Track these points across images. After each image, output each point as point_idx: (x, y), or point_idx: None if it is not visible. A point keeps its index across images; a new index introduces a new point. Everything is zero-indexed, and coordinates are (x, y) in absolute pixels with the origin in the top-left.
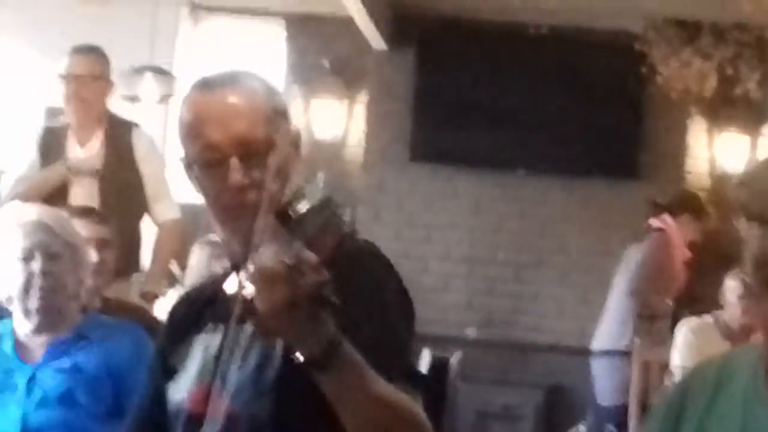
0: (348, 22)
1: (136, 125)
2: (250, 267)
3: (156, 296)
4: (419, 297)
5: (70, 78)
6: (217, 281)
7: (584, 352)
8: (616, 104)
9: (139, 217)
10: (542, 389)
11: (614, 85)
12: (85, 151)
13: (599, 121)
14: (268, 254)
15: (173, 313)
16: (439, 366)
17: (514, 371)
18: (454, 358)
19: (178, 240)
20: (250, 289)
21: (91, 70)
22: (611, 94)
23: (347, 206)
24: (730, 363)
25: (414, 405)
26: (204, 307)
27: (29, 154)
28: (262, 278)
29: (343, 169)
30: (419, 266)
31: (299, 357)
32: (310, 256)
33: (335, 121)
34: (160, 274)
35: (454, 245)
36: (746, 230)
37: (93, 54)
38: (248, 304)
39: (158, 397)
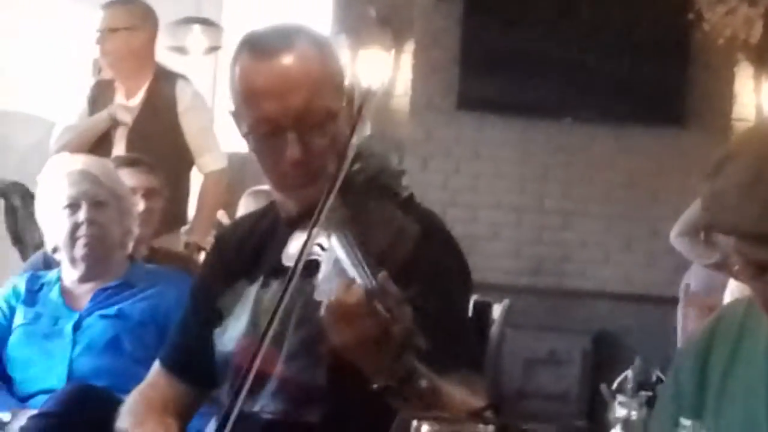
0: None
1: (182, 77)
2: (324, 276)
3: (201, 248)
4: (468, 245)
5: (105, 32)
6: (260, 224)
7: (629, 299)
8: (662, 51)
9: (184, 170)
10: (589, 335)
11: (660, 32)
12: (131, 102)
13: (645, 68)
14: (344, 266)
15: (222, 252)
16: (481, 310)
17: (561, 318)
18: (502, 306)
19: (223, 190)
20: (319, 297)
21: (126, 23)
22: (657, 41)
23: (396, 156)
24: (755, 307)
25: (479, 391)
26: (255, 253)
27: (79, 105)
28: (340, 312)
29: (390, 118)
30: (467, 215)
31: (376, 384)
32: (395, 291)
33: (382, 71)
34: (206, 224)
35: (501, 193)
36: (724, 241)
37: (128, 5)
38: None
39: (200, 337)
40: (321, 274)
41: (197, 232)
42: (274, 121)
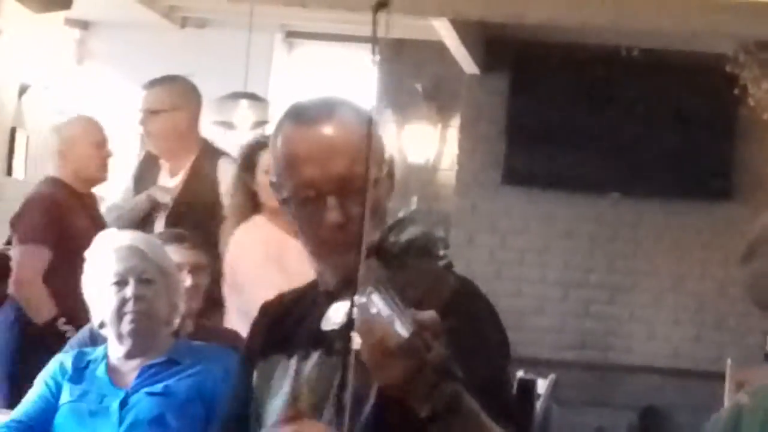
0: (440, 47)
1: (226, 155)
2: (360, 322)
3: None
4: (513, 320)
5: (147, 113)
6: (302, 300)
7: (676, 374)
8: (709, 126)
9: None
10: (635, 411)
11: (706, 106)
12: (174, 180)
13: (692, 142)
14: (384, 315)
15: (262, 330)
16: (525, 388)
17: (608, 393)
18: (548, 381)
19: None
20: (357, 342)
21: (168, 104)
22: (704, 115)
23: (441, 229)
24: None
25: None
26: (293, 327)
27: (124, 182)
28: (382, 346)
29: (436, 192)
30: (513, 288)
31: (423, 413)
32: (430, 319)
33: (428, 145)
34: None
35: (547, 268)
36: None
37: (170, 84)
38: (349, 344)
39: (243, 419)
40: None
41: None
42: (316, 186)
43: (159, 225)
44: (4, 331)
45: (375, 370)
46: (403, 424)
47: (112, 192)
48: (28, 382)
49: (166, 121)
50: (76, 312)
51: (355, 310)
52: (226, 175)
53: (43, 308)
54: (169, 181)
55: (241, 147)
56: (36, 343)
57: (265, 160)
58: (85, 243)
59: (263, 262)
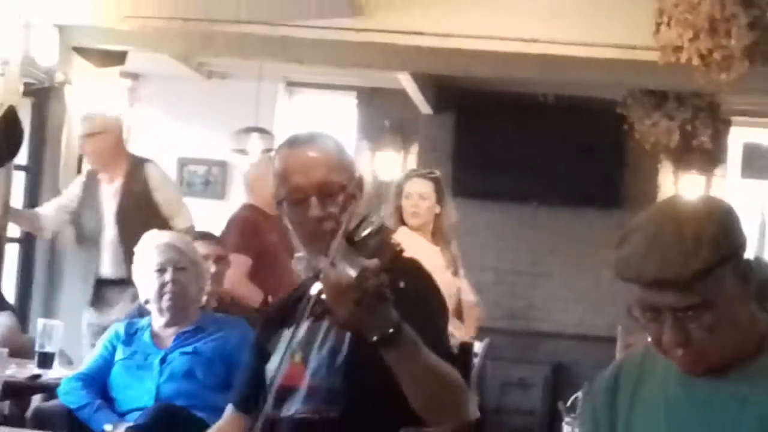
0: (403, 94)
1: (150, 161)
2: (325, 274)
3: None
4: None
5: (83, 138)
6: (302, 287)
7: (581, 338)
8: (605, 153)
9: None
10: (550, 366)
11: (604, 138)
12: (113, 186)
13: (592, 165)
14: (338, 269)
15: (269, 313)
16: (466, 349)
17: (529, 352)
18: (484, 343)
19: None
20: (325, 289)
21: (95, 129)
22: (601, 145)
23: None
24: (652, 352)
25: (454, 371)
26: (292, 307)
27: (75, 189)
28: (338, 284)
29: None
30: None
31: (373, 338)
32: (371, 264)
33: (394, 168)
34: None
35: (485, 259)
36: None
37: (99, 117)
38: (324, 305)
39: (256, 374)
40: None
41: None
42: (302, 190)
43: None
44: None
45: (334, 307)
46: (365, 365)
47: (65, 195)
48: None
49: (95, 143)
50: (275, 296)
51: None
52: (153, 176)
53: (254, 296)
54: (108, 188)
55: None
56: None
57: (407, 188)
58: (276, 252)
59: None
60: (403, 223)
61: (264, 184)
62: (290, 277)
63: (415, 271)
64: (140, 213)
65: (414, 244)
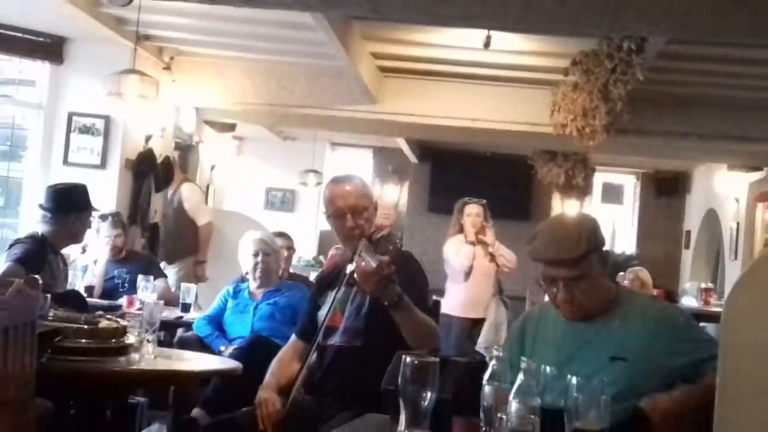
0: (400, 150)
1: (188, 180)
2: (357, 263)
3: (203, 261)
4: (431, 271)
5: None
6: (341, 263)
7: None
8: (521, 187)
9: (194, 228)
10: None
11: (520, 178)
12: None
13: (513, 194)
14: (367, 260)
15: (320, 279)
16: (436, 306)
17: None
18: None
19: (210, 234)
20: (357, 272)
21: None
22: (518, 182)
23: (400, 233)
24: (547, 307)
25: (430, 320)
26: (334, 277)
27: None
28: (365, 272)
29: (398, 215)
30: (431, 258)
31: (385, 303)
32: (385, 259)
33: (394, 195)
34: (204, 250)
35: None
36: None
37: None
38: (355, 280)
39: (311, 316)
40: (357, 266)
41: (201, 254)
42: (341, 210)
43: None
44: None
45: (362, 283)
46: (378, 316)
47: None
48: None
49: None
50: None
51: (355, 262)
52: (186, 191)
53: None
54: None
55: (456, 204)
56: None
57: (467, 210)
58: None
59: (456, 248)
60: (460, 231)
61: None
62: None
63: (409, 260)
64: (180, 216)
65: (457, 244)
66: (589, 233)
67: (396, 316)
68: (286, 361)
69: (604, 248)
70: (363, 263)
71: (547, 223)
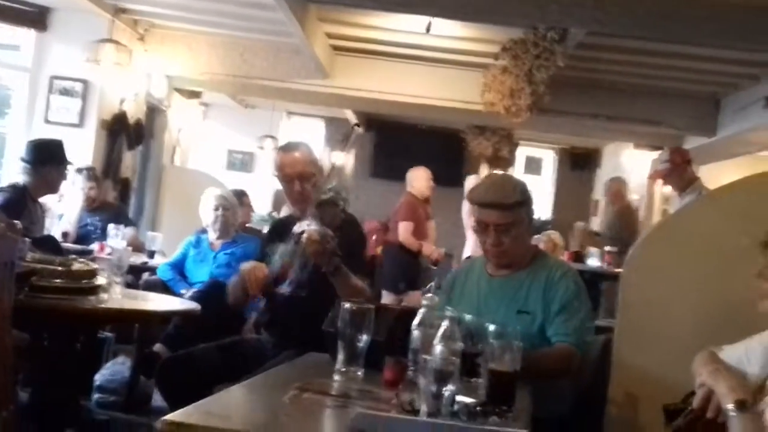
0: (348, 120)
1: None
2: (304, 231)
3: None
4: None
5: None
6: (288, 220)
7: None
8: (455, 158)
9: None
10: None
11: (453, 150)
12: None
13: (447, 164)
14: (313, 227)
15: (270, 233)
16: (374, 257)
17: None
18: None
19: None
20: (303, 237)
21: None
22: (453, 153)
23: (345, 195)
24: (476, 259)
25: (362, 282)
26: (282, 231)
27: None
28: (310, 239)
29: (344, 178)
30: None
31: (323, 269)
32: (330, 232)
33: (342, 160)
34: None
35: (390, 210)
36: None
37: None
38: (303, 244)
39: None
40: (305, 234)
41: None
42: (290, 176)
43: None
44: None
45: (308, 248)
46: (319, 272)
47: None
48: None
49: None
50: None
51: (303, 225)
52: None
53: (415, 244)
54: None
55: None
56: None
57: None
58: (422, 219)
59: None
60: None
61: (418, 182)
62: (427, 233)
63: (353, 225)
64: None
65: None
66: (522, 188)
67: (333, 281)
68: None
69: (532, 208)
70: (310, 232)
71: (487, 175)
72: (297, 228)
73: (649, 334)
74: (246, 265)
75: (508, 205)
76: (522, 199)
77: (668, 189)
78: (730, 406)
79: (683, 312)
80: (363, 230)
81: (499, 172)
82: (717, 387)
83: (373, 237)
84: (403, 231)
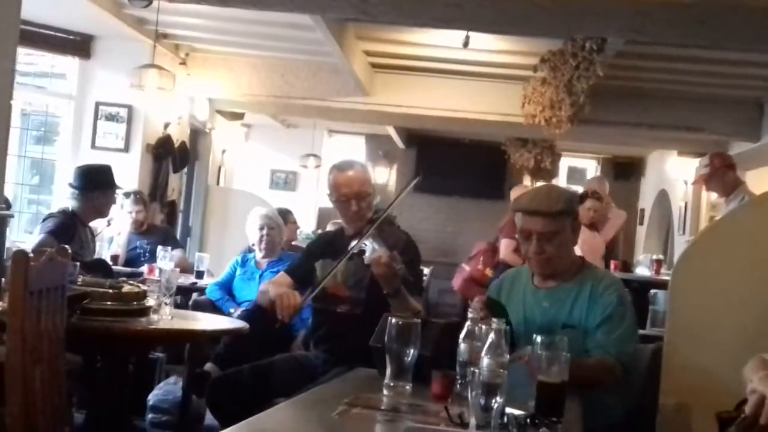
0: (389, 137)
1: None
2: (366, 249)
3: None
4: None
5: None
6: (336, 237)
7: None
8: (496, 170)
9: None
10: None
11: (495, 162)
12: None
13: (490, 176)
14: (382, 250)
15: (315, 246)
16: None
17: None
18: (431, 268)
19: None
20: (367, 258)
21: None
22: (494, 166)
23: (393, 213)
24: (522, 268)
25: (417, 304)
26: (330, 247)
27: None
28: (380, 261)
29: (387, 195)
30: (417, 234)
31: (385, 291)
32: (396, 256)
33: (385, 177)
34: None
35: (432, 223)
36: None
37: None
38: (355, 256)
39: (303, 267)
40: (367, 253)
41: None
42: (346, 196)
43: None
44: None
45: (377, 270)
46: (376, 290)
47: None
48: None
49: None
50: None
51: (362, 244)
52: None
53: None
54: None
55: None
56: None
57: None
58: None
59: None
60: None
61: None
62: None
63: (412, 245)
64: None
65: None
66: (567, 198)
67: (391, 302)
68: (276, 284)
69: (577, 220)
70: (375, 252)
71: (533, 186)
72: (354, 246)
73: (699, 340)
74: (280, 290)
75: (552, 213)
76: (566, 208)
77: (714, 196)
78: None
79: (732, 318)
80: (417, 247)
81: (547, 184)
82: None
83: (480, 258)
84: (505, 249)
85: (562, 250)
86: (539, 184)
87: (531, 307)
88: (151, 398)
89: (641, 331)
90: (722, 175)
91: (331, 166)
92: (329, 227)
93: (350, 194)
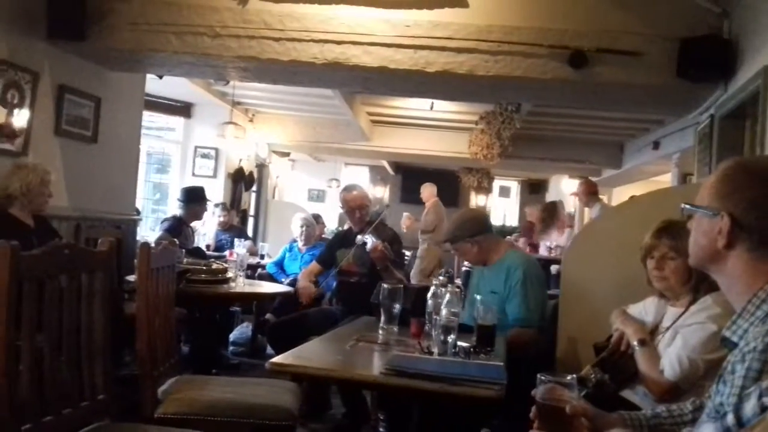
0: (384, 167)
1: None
2: (368, 241)
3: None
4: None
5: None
6: (348, 233)
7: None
8: (452, 189)
9: None
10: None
11: (452, 184)
12: None
13: (449, 192)
14: (376, 240)
15: (335, 239)
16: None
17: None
18: (411, 253)
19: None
20: (368, 246)
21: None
22: (451, 186)
23: (386, 215)
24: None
25: (402, 276)
26: (345, 240)
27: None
28: (375, 249)
29: (382, 204)
30: (400, 233)
31: (379, 267)
32: (386, 245)
33: (381, 193)
34: None
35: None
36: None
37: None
38: (361, 247)
39: (329, 256)
40: (368, 244)
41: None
42: (351, 208)
43: None
44: None
45: (373, 254)
46: (374, 270)
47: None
48: None
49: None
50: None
51: (364, 238)
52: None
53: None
54: None
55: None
56: None
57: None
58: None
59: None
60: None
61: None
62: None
63: (397, 238)
64: None
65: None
66: (458, 226)
67: (383, 274)
68: (308, 272)
69: (475, 236)
70: (373, 243)
71: (458, 216)
72: (359, 239)
73: (582, 297)
74: (301, 283)
75: (450, 240)
76: (456, 236)
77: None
78: (635, 342)
79: (603, 284)
80: (401, 240)
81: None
82: (627, 330)
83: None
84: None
85: (481, 254)
86: (480, 198)
87: (480, 277)
88: (232, 336)
89: (548, 291)
90: (586, 192)
91: (341, 188)
92: (345, 225)
93: (354, 206)
